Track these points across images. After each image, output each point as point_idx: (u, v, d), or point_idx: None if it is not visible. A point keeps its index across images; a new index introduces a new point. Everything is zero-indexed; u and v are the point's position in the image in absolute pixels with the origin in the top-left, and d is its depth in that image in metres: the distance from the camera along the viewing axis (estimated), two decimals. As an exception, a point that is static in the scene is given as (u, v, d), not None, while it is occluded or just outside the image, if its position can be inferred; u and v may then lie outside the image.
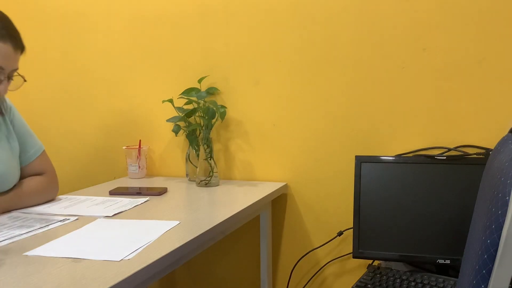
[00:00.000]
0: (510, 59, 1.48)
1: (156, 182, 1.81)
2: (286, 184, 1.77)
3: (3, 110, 1.41)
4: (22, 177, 1.44)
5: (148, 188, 1.64)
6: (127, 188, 1.66)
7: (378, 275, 1.45)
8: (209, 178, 1.70)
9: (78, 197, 1.54)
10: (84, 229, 1.19)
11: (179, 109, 1.79)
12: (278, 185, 1.73)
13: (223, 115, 1.77)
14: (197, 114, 1.76)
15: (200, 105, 1.76)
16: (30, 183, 1.43)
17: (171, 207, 1.45)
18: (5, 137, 1.40)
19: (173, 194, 1.60)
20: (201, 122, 1.75)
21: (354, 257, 1.52)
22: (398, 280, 1.41)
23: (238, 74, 1.80)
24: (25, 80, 1.35)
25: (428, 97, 1.57)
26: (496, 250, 0.71)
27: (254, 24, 1.76)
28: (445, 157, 1.47)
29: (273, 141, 1.78)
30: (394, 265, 1.54)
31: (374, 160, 1.52)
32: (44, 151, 1.51)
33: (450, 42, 1.53)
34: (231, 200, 1.53)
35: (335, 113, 1.69)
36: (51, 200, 1.49)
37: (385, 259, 1.52)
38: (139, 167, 1.87)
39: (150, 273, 0.96)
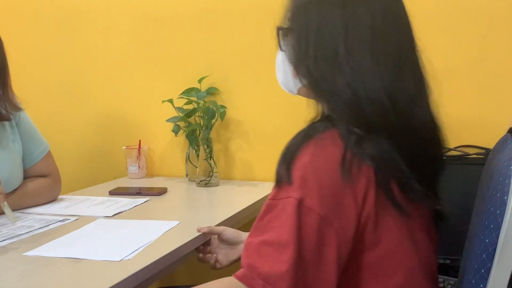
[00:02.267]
0: (510, 59, 1.48)
1: (156, 182, 1.81)
2: (286, 184, 1.77)
3: (9, 113, 1.39)
4: (26, 177, 1.44)
5: (148, 188, 1.64)
6: (127, 188, 1.66)
7: (378, 275, 1.45)
8: (209, 178, 1.69)
9: (78, 197, 1.54)
10: (84, 229, 1.19)
11: (179, 109, 1.79)
12: (278, 185, 1.72)
13: (223, 115, 1.77)
14: (197, 114, 1.76)
15: (200, 105, 1.76)
16: (33, 185, 1.44)
17: (171, 207, 1.46)
18: (11, 139, 1.40)
19: (173, 194, 1.60)
20: (201, 122, 1.75)
21: (354, 257, 1.52)
22: (398, 280, 1.41)
23: (238, 74, 1.80)
24: None
25: (428, 97, 1.57)
26: (494, 250, 0.71)
27: (254, 24, 1.76)
28: (445, 157, 1.46)
29: (273, 141, 1.78)
30: (394, 265, 1.54)
31: (374, 160, 1.52)
32: (49, 152, 1.50)
33: (450, 42, 1.53)
34: (231, 200, 1.53)
35: (335, 113, 1.68)
36: (52, 201, 1.49)
37: (385, 259, 1.52)
38: (139, 167, 1.87)
39: (150, 273, 0.97)
